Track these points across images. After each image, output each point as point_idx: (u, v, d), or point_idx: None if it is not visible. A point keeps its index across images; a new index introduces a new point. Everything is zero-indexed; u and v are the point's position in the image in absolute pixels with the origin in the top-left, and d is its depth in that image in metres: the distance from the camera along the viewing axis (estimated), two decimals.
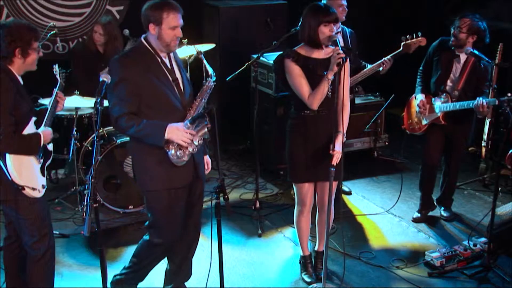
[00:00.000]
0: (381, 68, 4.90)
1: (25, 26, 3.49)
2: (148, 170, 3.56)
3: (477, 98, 4.44)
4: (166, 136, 3.39)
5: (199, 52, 3.78)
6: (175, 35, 3.45)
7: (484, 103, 4.39)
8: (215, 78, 3.65)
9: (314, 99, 3.82)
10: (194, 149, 3.52)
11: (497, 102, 4.30)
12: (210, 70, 3.65)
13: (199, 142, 3.53)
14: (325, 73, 3.76)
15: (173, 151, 3.46)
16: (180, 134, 3.41)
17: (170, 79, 3.54)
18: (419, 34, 4.79)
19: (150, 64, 3.48)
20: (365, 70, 4.99)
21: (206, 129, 3.52)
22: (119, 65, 3.44)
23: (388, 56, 4.86)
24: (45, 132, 3.53)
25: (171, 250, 3.86)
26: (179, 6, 3.47)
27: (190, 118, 3.48)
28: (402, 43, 4.84)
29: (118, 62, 3.46)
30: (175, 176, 3.56)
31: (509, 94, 4.22)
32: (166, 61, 3.56)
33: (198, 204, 3.86)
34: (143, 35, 3.54)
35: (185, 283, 4.08)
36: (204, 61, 3.68)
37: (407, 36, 4.81)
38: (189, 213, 3.80)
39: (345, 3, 4.94)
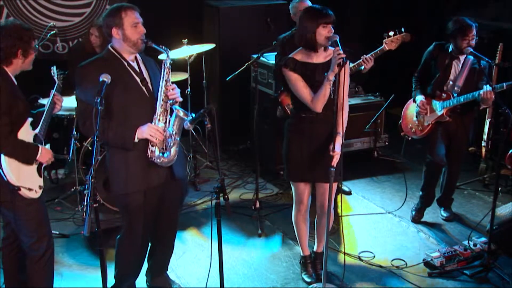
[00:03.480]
0: (362, 67, 4.79)
1: (22, 26, 3.49)
2: (123, 171, 3.59)
3: (484, 86, 4.46)
4: (137, 136, 3.50)
5: (148, 41, 3.62)
6: (139, 32, 3.50)
7: (491, 89, 4.40)
8: (169, 58, 3.60)
9: (317, 102, 3.82)
10: (171, 147, 3.57)
11: (505, 87, 4.35)
12: (165, 52, 3.60)
13: (173, 134, 3.58)
14: (326, 74, 3.76)
15: (155, 157, 3.56)
16: (148, 130, 3.50)
17: (138, 80, 3.58)
18: (402, 29, 4.70)
19: (116, 69, 3.51)
20: None
21: (179, 118, 3.56)
22: (82, 75, 3.50)
23: (368, 54, 4.73)
24: (45, 150, 3.52)
25: (145, 245, 3.91)
26: (134, 5, 3.54)
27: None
28: (384, 40, 4.73)
29: (81, 70, 3.52)
30: (150, 176, 3.61)
31: None
32: (134, 64, 3.60)
33: (174, 206, 3.91)
34: (109, 44, 3.58)
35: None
36: (155, 46, 3.59)
37: (390, 33, 4.70)
38: (165, 215, 3.87)
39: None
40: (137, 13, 3.53)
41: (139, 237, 3.76)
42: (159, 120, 3.56)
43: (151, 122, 3.54)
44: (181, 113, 3.57)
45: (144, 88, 3.58)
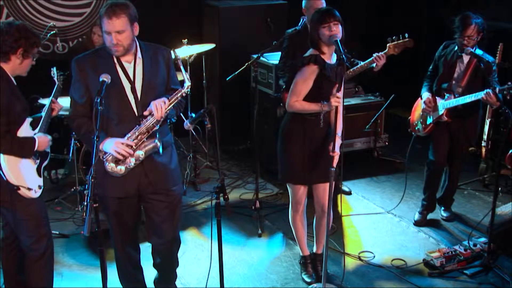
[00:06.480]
0: (374, 65, 4.67)
1: (32, 30, 3.51)
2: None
3: (485, 90, 4.41)
4: (101, 146, 3.34)
5: (176, 57, 3.57)
6: (109, 41, 3.26)
7: (491, 92, 4.35)
8: (189, 90, 3.45)
9: (295, 107, 3.85)
10: (130, 165, 3.38)
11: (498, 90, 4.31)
12: (186, 80, 3.45)
13: (141, 156, 3.38)
14: (325, 102, 3.76)
15: (107, 163, 3.38)
16: (114, 145, 3.31)
17: (127, 88, 3.37)
18: (406, 35, 4.70)
19: (106, 69, 3.32)
20: (355, 67, 4.79)
21: (153, 146, 3.39)
22: (74, 66, 3.38)
23: (381, 52, 4.63)
24: (41, 138, 3.52)
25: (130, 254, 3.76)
26: (118, 12, 3.22)
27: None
28: (388, 44, 4.70)
29: (73, 63, 3.39)
30: (119, 186, 3.44)
31: (509, 83, 4.23)
32: (129, 65, 3.39)
33: (163, 211, 3.59)
34: None
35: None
36: (182, 68, 3.46)
37: (393, 37, 4.68)
38: (156, 221, 3.61)
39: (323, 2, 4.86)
40: (112, 22, 3.21)
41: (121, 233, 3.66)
42: (130, 139, 3.38)
43: (123, 137, 3.37)
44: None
45: (131, 95, 3.38)
